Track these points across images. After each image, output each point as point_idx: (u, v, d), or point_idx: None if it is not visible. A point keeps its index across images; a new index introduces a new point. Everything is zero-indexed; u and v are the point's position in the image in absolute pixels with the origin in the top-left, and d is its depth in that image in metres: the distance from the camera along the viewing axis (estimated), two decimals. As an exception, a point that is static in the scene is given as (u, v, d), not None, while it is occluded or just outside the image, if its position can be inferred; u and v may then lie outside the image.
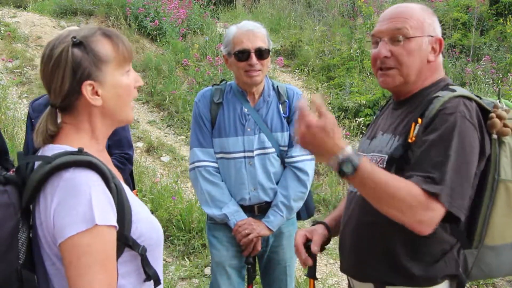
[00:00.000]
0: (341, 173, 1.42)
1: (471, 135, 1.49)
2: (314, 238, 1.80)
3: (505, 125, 1.54)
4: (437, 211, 1.44)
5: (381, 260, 1.61)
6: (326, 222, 1.87)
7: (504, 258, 1.60)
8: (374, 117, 1.93)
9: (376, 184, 1.43)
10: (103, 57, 1.28)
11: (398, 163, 1.55)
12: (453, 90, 1.58)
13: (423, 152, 1.50)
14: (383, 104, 1.92)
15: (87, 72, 1.26)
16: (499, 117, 1.54)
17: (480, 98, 1.63)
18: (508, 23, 8.67)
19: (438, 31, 1.69)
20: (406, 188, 1.43)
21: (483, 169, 1.54)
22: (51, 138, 1.30)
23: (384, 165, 1.59)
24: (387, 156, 1.60)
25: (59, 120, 1.32)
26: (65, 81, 1.25)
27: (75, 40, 1.26)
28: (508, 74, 7.43)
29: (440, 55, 1.71)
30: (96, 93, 1.28)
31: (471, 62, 8.16)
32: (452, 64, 8.04)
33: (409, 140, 1.55)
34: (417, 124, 1.54)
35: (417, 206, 1.41)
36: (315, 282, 2.04)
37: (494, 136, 1.54)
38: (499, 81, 7.37)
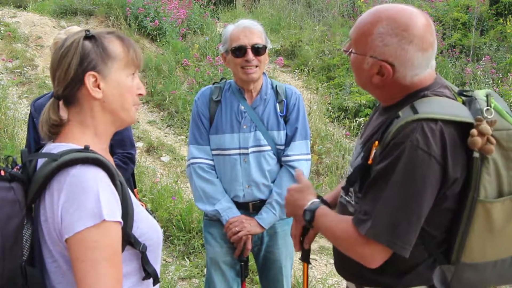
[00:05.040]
0: (305, 221, 1.67)
1: (423, 165, 1.37)
2: (309, 233, 1.81)
3: (488, 140, 1.37)
4: (377, 249, 1.44)
5: (353, 266, 1.58)
6: (327, 200, 1.84)
7: (487, 274, 1.52)
8: (370, 116, 1.87)
9: (325, 228, 1.63)
10: (112, 53, 1.33)
11: (359, 181, 1.53)
12: (415, 111, 1.42)
13: (368, 185, 1.48)
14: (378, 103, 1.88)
15: (93, 63, 1.30)
16: (481, 133, 1.37)
17: (472, 92, 1.52)
18: (508, 23, 8.67)
19: (393, 55, 1.46)
20: (345, 229, 1.52)
21: (463, 188, 1.43)
22: (55, 127, 1.32)
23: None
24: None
25: (64, 116, 1.33)
26: (70, 68, 1.29)
27: (88, 33, 1.33)
28: (508, 74, 7.44)
29: (410, 78, 1.49)
30: (98, 86, 1.32)
31: (471, 62, 8.17)
32: (452, 64, 8.04)
33: (369, 162, 1.50)
34: (376, 146, 1.49)
35: (354, 243, 1.48)
36: (309, 272, 2.05)
37: (476, 154, 1.38)
38: (499, 81, 7.38)
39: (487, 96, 1.48)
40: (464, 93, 1.55)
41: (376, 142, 1.48)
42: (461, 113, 1.44)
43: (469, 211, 1.41)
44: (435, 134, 1.38)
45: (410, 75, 1.50)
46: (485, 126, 1.37)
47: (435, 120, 1.40)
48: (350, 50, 1.58)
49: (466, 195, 1.42)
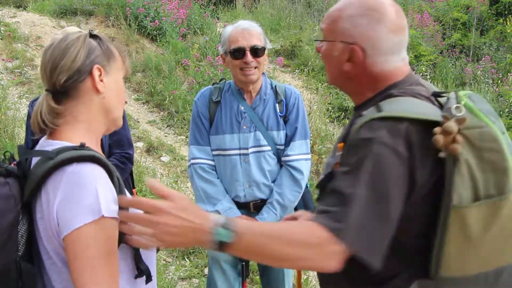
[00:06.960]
0: (220, 245, 1.19)
1: (391, 163, 1.26)
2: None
3: (454, 140, 1.24)
4: (338, 250, 1.24)
5: (330, 282, 1.48)
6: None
7: None
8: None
9: (271, 237, 1.24)
10: (113, 53, 1.38)
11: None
12: (380, 110, 1.32)
13: (333, 184, 1.32)
14: None
15: (98, 58, 1.34)
16: (445, 132, 1.24)
17: (449, 93, 1.38)
18: (508, 23, 8.67)
19: (363, 36, 1.38)
20: (309, 231, 1.26)
21: (437, 192, 1.28)
22: (56, 116, 1.31)
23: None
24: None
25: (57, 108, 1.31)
26: (78, 58, 1.30)
27: (92, 32, 1.37)
28: (508, 74, 7.44)
29: (380, 65, 1.41)
30: (102, 81, 1.34)
31: (471, 62, 8.18)
32: (452, 64, 8.05)
33: (335, 167, 1.37)
34: (341, 148, 1.36)
35: (324, 244, 1.23)
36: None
37: (442, 154, 1.25)
38: (499, 81, 7.38)
39: (455, 93, 1.36)
40: (441, 94, 1.42)
41: (341, 144, 1.37)
42: (429, 112, 1.32)
43: (443, 218, 1.27)
44: (400, 133, 1.28)
45: (380, 61, 1.41)
46: (449, 124, 1.25)
47: (400, 119, 1.29)
48: (321, 45, 1.50)
49: (440, 200, 1.28)
